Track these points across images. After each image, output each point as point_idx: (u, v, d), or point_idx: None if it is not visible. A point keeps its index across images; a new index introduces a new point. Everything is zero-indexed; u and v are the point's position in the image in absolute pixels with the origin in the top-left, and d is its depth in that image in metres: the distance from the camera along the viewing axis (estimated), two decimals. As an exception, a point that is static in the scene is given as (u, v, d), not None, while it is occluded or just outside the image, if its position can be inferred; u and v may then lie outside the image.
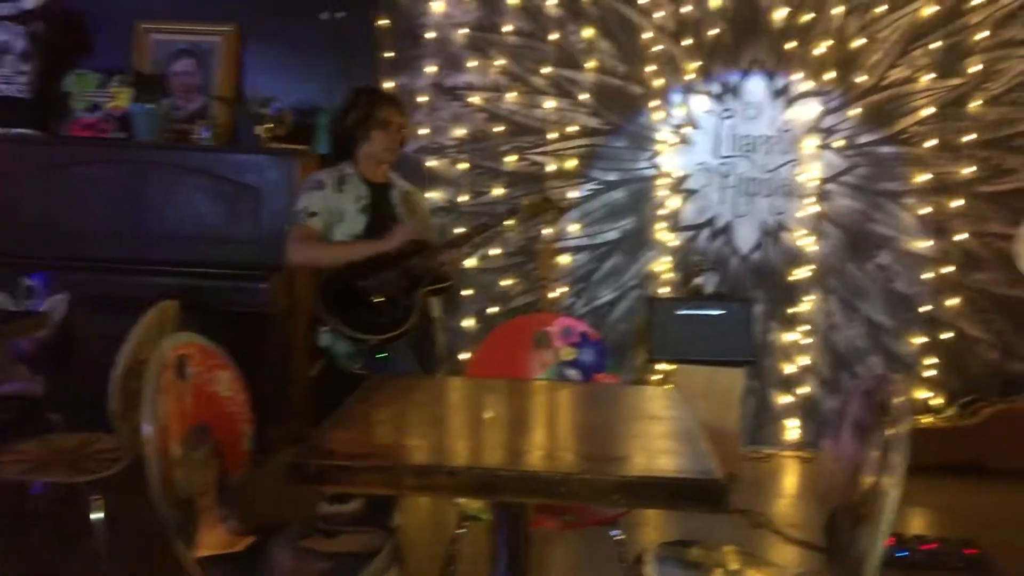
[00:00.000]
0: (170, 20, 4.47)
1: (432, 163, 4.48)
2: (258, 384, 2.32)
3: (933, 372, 4.41)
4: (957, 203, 4.34)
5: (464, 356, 4.49)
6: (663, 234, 4.49)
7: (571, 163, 4.45)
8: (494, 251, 4.50)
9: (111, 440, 2.65)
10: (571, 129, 4.44)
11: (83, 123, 4.30)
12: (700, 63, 4.37)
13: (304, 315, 4.32)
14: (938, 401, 4.41)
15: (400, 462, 1.69)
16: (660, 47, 4.38)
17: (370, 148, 3.11)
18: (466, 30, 4.41)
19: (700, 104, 4.42)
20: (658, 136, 4.44)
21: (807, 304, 4.46)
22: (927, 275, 4.39)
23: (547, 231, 3.27)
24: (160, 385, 1.87)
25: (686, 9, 4.35)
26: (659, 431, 2.03)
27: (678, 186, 4.47)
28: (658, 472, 1.74)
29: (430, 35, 4.42)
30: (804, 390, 4.49)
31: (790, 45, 4.34)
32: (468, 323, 4.51)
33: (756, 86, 4.39)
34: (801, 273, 4.44)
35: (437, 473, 1.65)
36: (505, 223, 3.50)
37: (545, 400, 2.38)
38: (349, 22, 4.37)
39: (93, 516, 2.57)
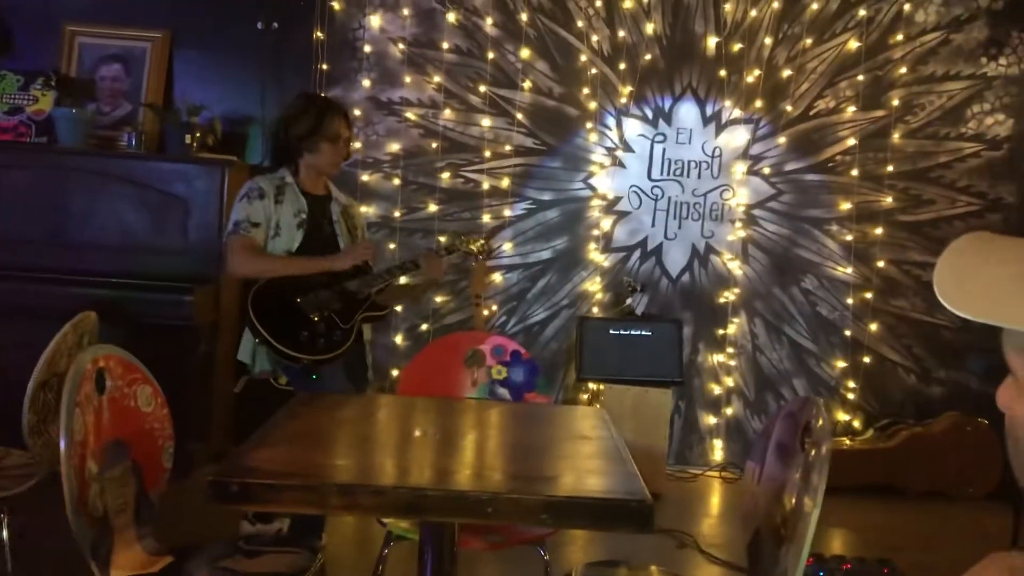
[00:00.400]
0: (99, 23, 4.35)
1: (366, 178, 4.45)
2: (180, 399, 2.27)
3: (854, 395, 4.53)
4: (878, 231, 4.48)
5: (395, 372, 4.46)
6: (595, 255, 4.53)
7: (505, 182, 4.47)
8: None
9: (23, 455, 2.55)
10: (506, 148, 4.46)
11: (2, 126, 4.16)
12: (634, 88, 4.44)
13: (229, 329, 4.24)
14: (858, 423, 4.53)
15: (325, 481, 1.66)
16: (595, 70, 4.43)
17: (316, 160, 2.99)
18: (403, 46, 4.41)
19: (633, 128, 4.49)
20: (592, 158, 4.49)
21: (734, 326, 4.54)
22: (849, 300, 4.52)
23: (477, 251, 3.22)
24: (77, 398, 1.80)
25: (622, 34, 4.42)
26: (587, 451, 2.04)
27: (611, 208, 4.52)
28: (586, 492, 1.74)
29: (367, 49, 4.41)
30: (729, 411, 4.57)
31: (721, 73, 4.43)
32: (399, 339, 4.48)
33: (688, 112, 4.48)
34: (729, 296, 4.53)
35: (363, 492, 1.62)
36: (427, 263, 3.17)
37: (474, 419, 2.37)
38: (285, 33, 4.33)
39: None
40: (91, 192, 4.00)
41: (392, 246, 4.46)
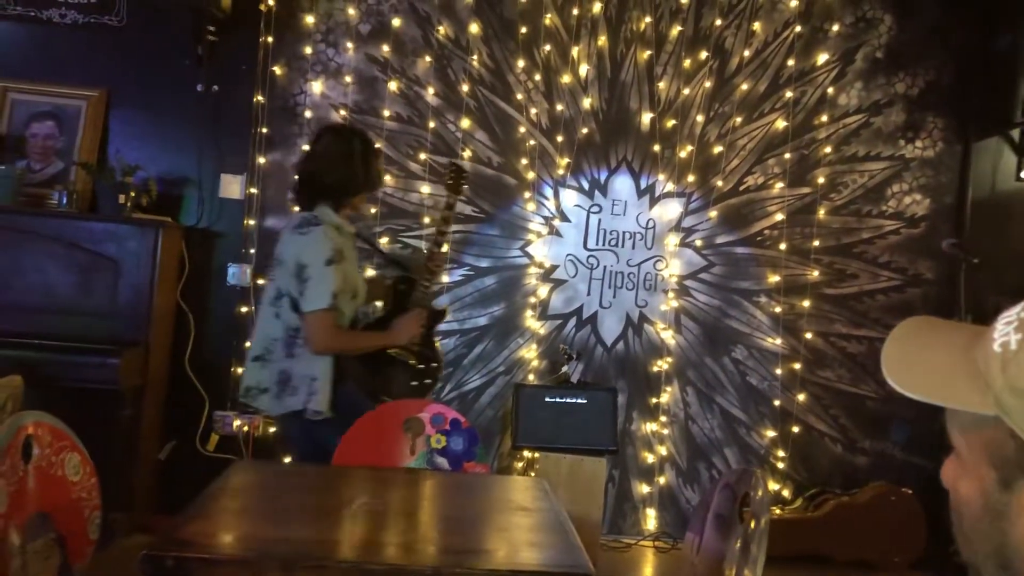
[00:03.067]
0: (34, 80, 4.29)
1: (303, 241, 4.42)
2: (103, 466, 2.19)
3: (783, 464, 4.60)
4: (805, 303, 4.62)
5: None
6: (532, 322, 4.56)
7: (444, 248, 4.48)
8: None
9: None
10: (445, 215, 4.49)
11: (-74, 181, 4.03)
12: (571, 159, 4.54)
13: (156, 393, 4.13)
14: (787, 493, 4.60)
15: (265, 555, 1.62)
16: (533, 142, 4.52)
17: (356, 200, 2.99)
18: (344, 112, 4.44)
19: (570, 198, 4.57)
20: (530, 226, 4.55)
21: (667, 395, 4.60)
22: (778, 371, 4.62)
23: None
24: (2, 468, 1.73)
25: (560, 108, 4.53)
26: (528, 523, 2.03)
27: (547, 275, 4.57)
28: (527, 566, 1.73)
29: (308, 114, 4.43)
30: (663, 480, 4.59)
31: (655, 148, 4.57)
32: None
33: (623, 184, 4.59)
34: (662, 364, 4.59)
35: (303, 567, 1.59)
36: (450, 203, 3.34)
37: (413, 489, 2.34)
38: (225, 96, 4.33)
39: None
40: (18, 250, 3.88)
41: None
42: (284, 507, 2.07)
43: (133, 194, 4.08)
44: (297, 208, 3.04)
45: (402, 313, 3.06)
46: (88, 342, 3.74)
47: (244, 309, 4.36)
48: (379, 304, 3.27)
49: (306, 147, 4.41)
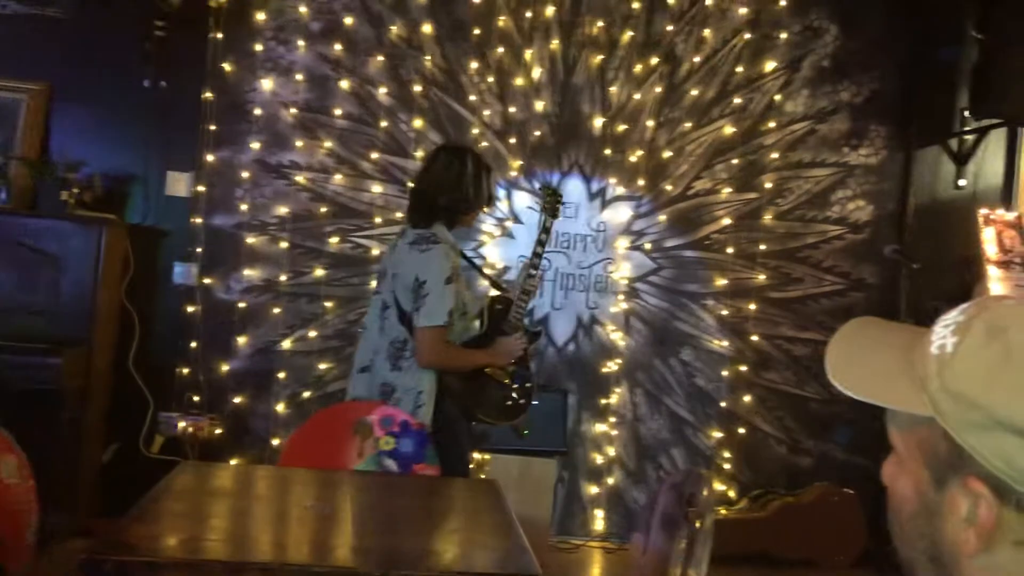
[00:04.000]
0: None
1: (252, 240, 4.37)
2: (43, 468, 2.14)
3: (729, 465, 4.66)
4: (752, 307, 4.69)
5: (275, 442, 4.33)
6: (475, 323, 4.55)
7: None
8: (311, 333, 4.41)
9: None
10: (397, 215, 4.48)
11: None
12: (524, 162, 4.55)
13: (100, 394, 4.05)
14: (733, 493, 4.66)
15: (209, 558, 1.60)
16: (486, 144, 4.53)
17: (468, 220, 3.05)
18: (295, 110, 4.40)
19: (523, 200, 4.58)
20: (482, 227, 4.55)
21: (616, 396, 4.63)
22: (724, 372, 4.68)
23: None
24: (-64, 472, 1.68)
25: (512, 110, 4.54)
26: (477, 525, 2.03)
27: (500, 277, 4.57)
28: (475, 568, 1.74)
29: (257, 112, 4.37)
30: (611, 480, 4.63)
31: (607, 152, 4.60)
32: (280, 408, 4.37)
33: (575, 187, 4.62)
34: (612, 366, 4.63)
35: (249, 570, 1.57)
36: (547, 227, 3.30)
37: (361, 492, 2.33)
38: (173, 92, 4.26)
39: None
40: (-46, 247, 3.78)
41: (277, 310, 4.38)
42: (230, 510, 2.04)
43: (76, 190, 4.00)
44: (411, 224, 3.03)
45: (497, 332, 3.08)
46: (29, 341, 3.65)
47: (190, 309, 4.30)
48: (476, 323, 3.25)
49: (256, 144, 4.37)
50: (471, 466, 3.39)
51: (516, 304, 3.14)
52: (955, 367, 0.76)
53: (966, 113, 4.54)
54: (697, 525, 1.94)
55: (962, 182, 4.74)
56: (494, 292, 3.31)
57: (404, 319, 2.90)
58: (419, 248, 2.90)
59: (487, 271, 3.81)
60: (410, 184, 4.40)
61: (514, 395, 3.08)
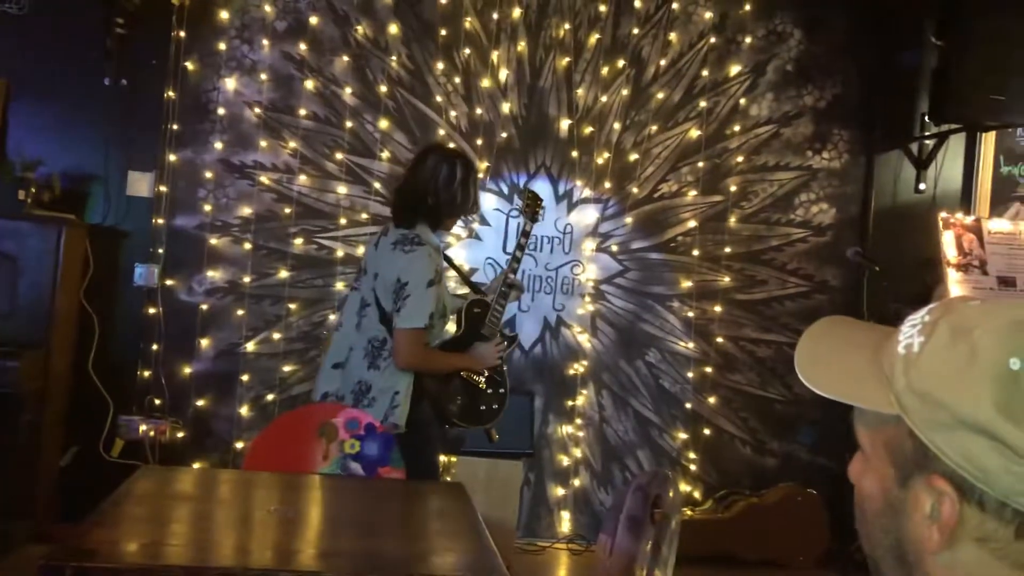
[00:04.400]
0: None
1: (215, 241, 4.32)
2: (3, 473, 2.10)
3: (694, 466, 4.69)
4: (717, 309, 4.72)
5: (239, 445, 4.28)
6: (451, 325, 4.53)
7: (361, 250, 4.44)
8: (275, 335, 4.37)
9: None
10: (363, 216, 4.45)
11: None
12: (490, 163, 4.55)
13: (59, 397, 3.97)
14: (698, 494, 4.69)
15: (169, 563, 1.57)
16: (453, 145, 4.51)
17: (449, 223, 3.05)
18: (259, 110, 4.35)
19: (489, 202, 4.57)
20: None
21: (582, 398, 4.64)
22: (690, 374, 4.71)
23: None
24: None
25: (479, 111, 4.54)
26: (443, 528, 2.02)
27: (466, 279, 4.56)
28: (442, 571, 1.72)
29: (221, 111, 4.32)
30: (577, 482, 4.63)
31: (574, 154, 4.61)
32: (244, 410, 4.32)
33: (542, 189, 4.60)
34: (578, 368, 4.64)
35: (211, 575, 1.55)
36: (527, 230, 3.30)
37: (325, 495, 2.31)
38: (134, 90, 4.20)
39: None
40: (-93, 247, 3.69)
41: (240, 312, 4.33)
42: (192, 514, 2.01)
43: (34, 190, 3.92)
44: (395, 223, 3.00)
45: (475, 336, 3.07)
46: (-16, 343, 3.57)
47: (151, 311, 4.24)
48: (451, 325, 3.23)
49: (219, 144, 4.31)
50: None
51: (494, 308, 3.13)
52: (921, 367, 0.77)
53: (926, 118, 4.62)
54: (663, 527, 1.95)
55: (922, 186, 4.81)
56: (472, 296, 3.29)
57: (384, 319, 2.89)
58: (403, 249, 2.88)
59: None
60: (375, 185, 4.38)
61: (488, 399, 3.08)
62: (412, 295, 2.81)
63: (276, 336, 4.37)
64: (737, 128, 4.74)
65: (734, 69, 4.73)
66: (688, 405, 4.71)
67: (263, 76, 4.35)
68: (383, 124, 4.46)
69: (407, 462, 2.70)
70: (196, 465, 4.22)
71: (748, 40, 4.73)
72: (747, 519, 4.46)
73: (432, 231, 2.99)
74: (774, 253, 4.80)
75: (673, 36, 4.67)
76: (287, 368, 4.37)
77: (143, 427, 4.16)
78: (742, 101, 4.74)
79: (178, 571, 1.53)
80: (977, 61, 4.24)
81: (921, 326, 0.79)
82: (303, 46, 4.38)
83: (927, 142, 4.77)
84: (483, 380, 3.08)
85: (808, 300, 4.80)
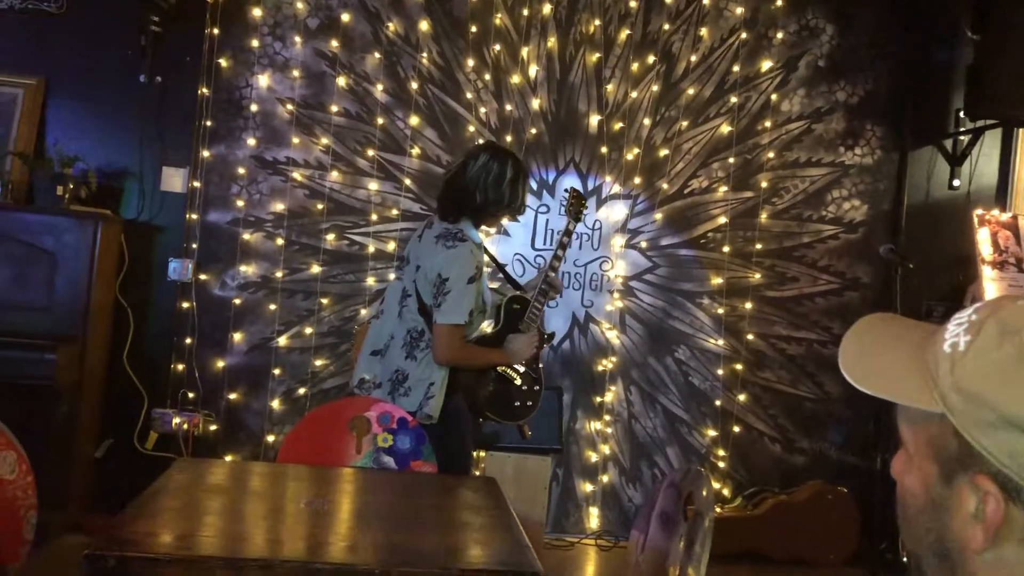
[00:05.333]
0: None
1: (247, 236, 4.36)
2: (37, 463, 2.14)
3: (724, 463, 4.68)
4: (747, 306, 4.70)
5: (271, 439, 4.33)
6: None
7: (391, 245, 4.47)
8: (307, 329, 4.40)
9: None
10: (393, 212, 4.48)
11: None
12: (520, 159, 4.54)
13: (94, 389, 4.04)
14: (727, 492, 4.67)
15: (209, 555, 1.59)
16: (482, 141, 4.52)
17: (493, 222, 3.06)
18: (291, 106, 4.39)
19: (518, 198, 4.57)
20: (477, 225, 4.54)
21: (611, 394, 4.64)
22: (720, 371, 4.69)
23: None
24: (-66, 467, 1.68)
25: (509, 108, 4.54)
26: (476, 522, 2.03)
27: (495, 275, 4.57)
28: (475, 565, 1.73)
29: (254, 108, 4.36)
30: (606, 478, 4.63)
31: (603, 150, 4.60)
32: (276, 404, 4.36)
33: (571, 185, 4.60)
34: (607, 364, 4.63)
35: (248, 566, 1.57)
36: (570, 229, 3.29)
37: (359, 488, 2.33)
38: (169, 87, 4.25)
39: None
40: (-51, 242, 3.76)
41: (272, 307, 4.38)
42: (228, 506, 2.04)
43: (72, 186, 3.98)
44: (440, 216, 3.00)
45: (512, 332, 3.08)
46: (23, 337, 3.64)
47: (185, 305, 4.29)
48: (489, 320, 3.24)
49: (252, 140, 4.35)
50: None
51: (533, 306, 3.14)
52: (967, 366, 0.77)
53: (961, 114, 4.56)
54: (696, 523, 1.95)
55: (956, 182, 4.76)
56: (512, 292, 3.28)
57: (423, 310, 2.90)
58: (445, 244, 2.88)
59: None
60: (405, 181, 4.39)
61: (523, 395, 3.09)
62: (452, 291, 2.81)
63: (308, 331, 4.40)
64: (768, 124, 4.71)
65: (765, 65, 4.70)
66: (718, 402, 4.69)
67: (295, 73, 4.38)
68: (414, 121, 4.48)
69: (439, 453, 2.72)
70: (228, 458, 4.27)
71: (780, 35, 4.70)
72: (777, 517, 4.44)
73: (475, 227, 2.99)
74: (805, 250, 4.76)
75: (704, 31, 4.65)
76: (319, 362, 4.41)
77: (176, 420, 4.22)
78: (773, 97, 4.71)
79: (214, 562, 1.55)
80: (1014, 55, 4.18)
81: (968, 325, 0.79)
82: (335, 43, 4.40)
83: (962, 138, 4.71)
84: (519, 376, 3.09)
85: (839, 297, 4.76)
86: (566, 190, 3.64)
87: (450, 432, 2.88)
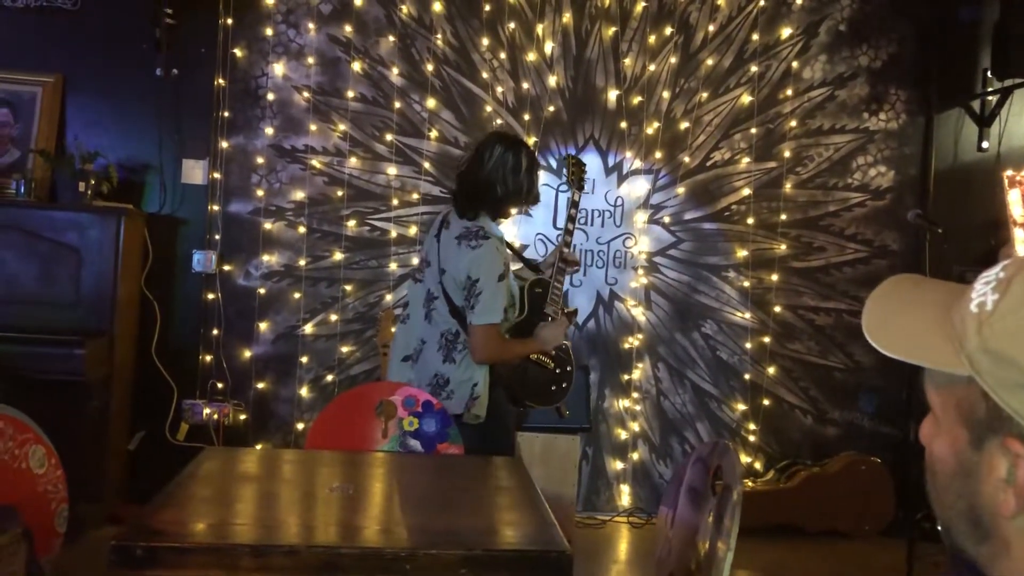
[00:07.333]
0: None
1: (269, 226, 4.37)
2: (71, 458, 2.16)
3: (754, 437, 4.64)
4: (774, 277, 4.65)
5: (300, 426, 4.35)
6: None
7: (413, 230, 4.46)
8: (332, 316, 4.41)
9: None
10: (413, 196, 4.46)
11: None
12: (538, 138, 4.52)
13: (123, 383, 4.08)
14: (759, 465, 4.64)
15: (236, 542, 1.60)
16: (500, 121, 4.49)
17: (508, 213, 2.99)
18: (308, 94, 4.38)
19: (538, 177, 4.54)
20: (498, 206, 4.52)
21: (638, 371, 4.61)
22: (747, 344, 4.65)
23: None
24: (-37, 463, 1.70)
25: (526, 86, 4.50)
26: (504, 502, 2.03)
27: (517, 255, 4.55)
28: (504, 545, 1.73)
29: (270, 96, 4.36)
30: (636, 456, 4.62)
31: (622, 125, 4.56)
32: (304, 391, 4.38)
33: (591, 162, 4.55)
34: (633, 341, 4.60)
35: (275, 553, 1.57)
36: (575, 200, 3.26)
37: (386, 472, 2.33)
38: (185, 80, 4.26)
39: None
40: (-25, 241, 3.81)
41: (297, 295, 4.39)
42: (256, 493, 2.05)
43: (93, 181, 4.01)
44: (458, 213, 2.93)
45: (538, 316, 3.05)
46: (51, 333, 3.68)
47: (210, 296, 4.31)
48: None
49: (269, 129, 4.35)
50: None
51: (553, 286, 3.11)
52: (994, 325, 0.73)
53: (988, 73, 4.46)
54: (725, 498, 1.92)
55: (985, 144, 4.66)
56: (531, 275, 3.24)
57: (455, 312, 2.85)
58: (469, 244, 2.81)
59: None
60: (424, 164, 4.37)
61: (558, 378, 3.07)
62: (484, 291, 2.76)
63: (333, 317, 4.41)
64: (790, 92, 4.63)
65: (785, 32, 4.62)
66: (747, 376, 4.65)
67: (310, 60, 4.37)
68: (430, 103, 4.45)
69: (487, 450, 2.69)
70: (258, 447, 4.30)
71: (799, 1, 4.61)
72: (810, 489, 4.40)
73: (493, 220, 2.93)
74: (831, 219, 4.69)
75: (721, 0, 4.58)
76: (345, 349, 4.42)
77: (207, 411, 4.26)
78: (794, 64, 4.63)
79: (244, 550, 1.55)
80: (1042, 11, 4.08)
81: (995, 283, 0.76)
82: (348, 28, 4.39)
83: (990, 98, 4.60)
84: (551, 360, 3.07)
85: (868, 266, 4.69)
86: (563, 158, 3.56)
87: (496, 428, 2.87)
